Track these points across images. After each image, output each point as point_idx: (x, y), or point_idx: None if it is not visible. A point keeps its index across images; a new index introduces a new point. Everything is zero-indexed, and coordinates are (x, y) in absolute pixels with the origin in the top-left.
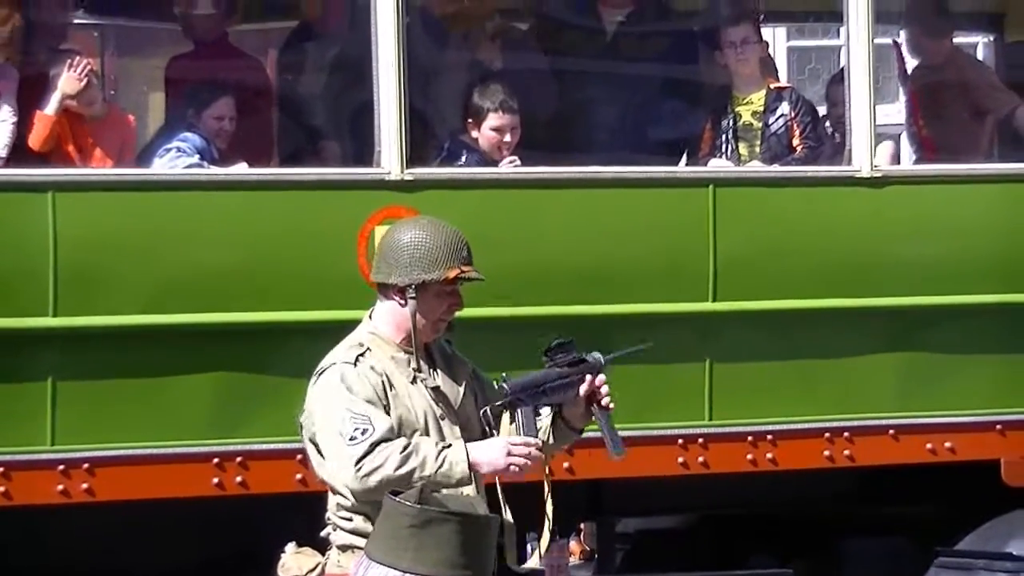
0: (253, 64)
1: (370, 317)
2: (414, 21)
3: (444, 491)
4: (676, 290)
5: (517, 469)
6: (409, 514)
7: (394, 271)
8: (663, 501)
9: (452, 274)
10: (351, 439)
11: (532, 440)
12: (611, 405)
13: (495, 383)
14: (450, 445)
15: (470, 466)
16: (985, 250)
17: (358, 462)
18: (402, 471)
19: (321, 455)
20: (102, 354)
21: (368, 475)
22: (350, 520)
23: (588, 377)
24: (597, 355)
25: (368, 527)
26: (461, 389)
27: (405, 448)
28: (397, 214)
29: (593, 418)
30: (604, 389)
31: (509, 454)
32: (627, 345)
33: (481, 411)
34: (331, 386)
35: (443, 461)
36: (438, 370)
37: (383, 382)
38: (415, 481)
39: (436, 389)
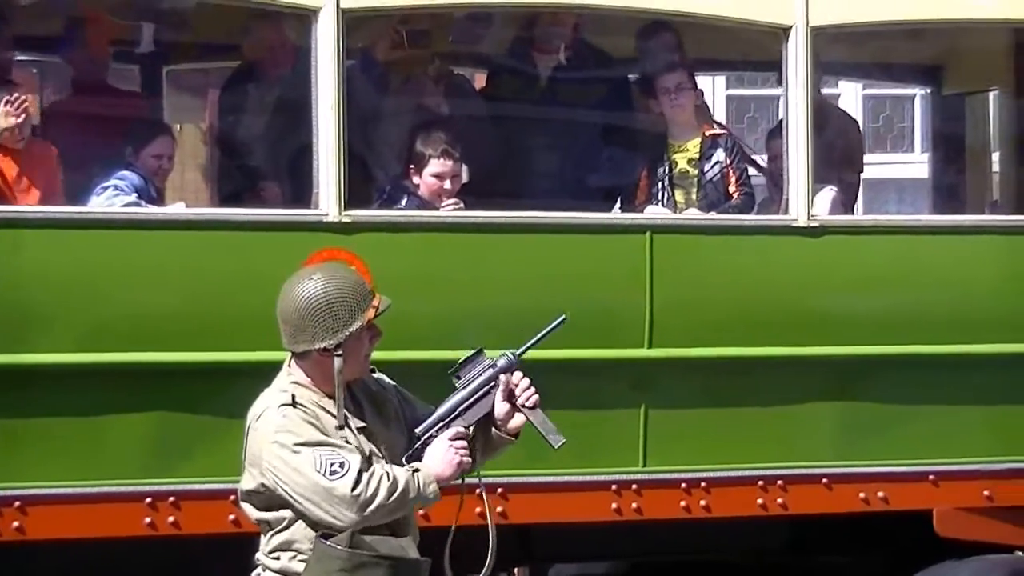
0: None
1: (289, 366)
2: (354, 64)
3: (372, 537)
4: (612, 336)
5: (468, 459)
6: (341, 558)
7: (317, 337)
8: (596, 547)
9: (370, 315)
10: (332, 474)
11: (460, 430)
12: (533, 401)
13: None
14: (417, 469)
15: (437, 482)
16: (920, 301)
17: (354, 491)
18: (393, 499)
19: (256, 507)
20: (36, 392)
21: (367, 505)
22: (278, 559)
23: (502, 378)
24: (508, 354)
25: (294, 567)
26: (388, 424)
27: (389, 476)
28: (335, 256)
29: (524, 419)
30: (523, 385)
31: (453, 450)
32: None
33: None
34: (282, 429)
35: (420, 484)
36: (364, 410)
37: (316, 426)
38: (403, 507)
39: (363, 429)
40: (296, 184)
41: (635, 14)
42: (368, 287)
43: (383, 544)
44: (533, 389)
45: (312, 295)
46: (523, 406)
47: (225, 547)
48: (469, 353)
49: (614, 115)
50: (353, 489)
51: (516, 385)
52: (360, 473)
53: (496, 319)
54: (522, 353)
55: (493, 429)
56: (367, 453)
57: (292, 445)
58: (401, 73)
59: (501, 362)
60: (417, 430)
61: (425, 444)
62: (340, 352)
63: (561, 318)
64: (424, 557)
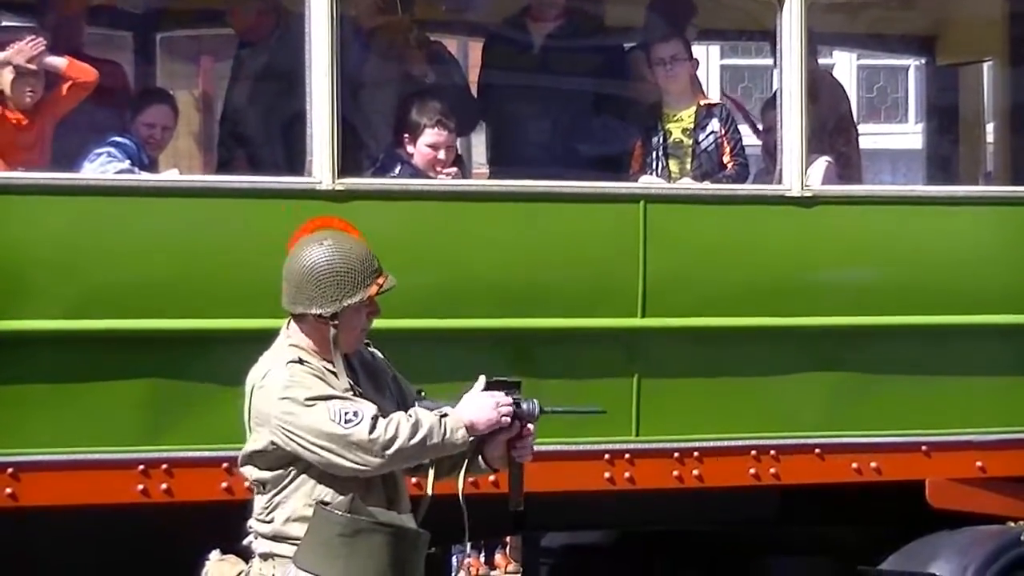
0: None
1: (287, 328)
2: (347, 32)
3: (371, 507)
4: (605, 305)
5: (507, 420)
6: (340, 523)
7: (315, 302)
8: (588, 516)
9: (372, 291)
10: (347, 422)
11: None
12: (525, 459)
13: (415, 396)
14: (446, 413)
15: (467, 428)
16: (914, 272)
17: (371, 435)
18: (415, 440)
19: (253, 462)
20: (28, 359)
21: (386, 447)
22: (270, 522)
23: (516, 424)
24: (535, 404)
25: (287, 529)
26: (383, 395)
27: (410, 418)
28: (328, 224)
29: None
30: (527, 441)
31: (496, 406)
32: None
33: None
34: (292, 384)
35: (446, 428)
36: (359, 378)
37: (323, 380)
38: (426, 450)
39: (360, 395)
40: (289, 152)
41: None
42: (376, 264)
43: (383, 514)
44: (532, 448)
45: (318, 261)
46: (514, 456)
47: (217, 514)
48: (511, 378)
49: (609, 84)
50: (370, 433)
51: (522, 436)
52: (375, 419)
53: (489, 288)
54: (547, 412)
55: (481, 455)
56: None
57: (303, 400)
58: (386, 41)
59: (525, 406)
60: (421, 403)
61: None
62: (336, 322)
63: (599, 409)
64: (423, 530)
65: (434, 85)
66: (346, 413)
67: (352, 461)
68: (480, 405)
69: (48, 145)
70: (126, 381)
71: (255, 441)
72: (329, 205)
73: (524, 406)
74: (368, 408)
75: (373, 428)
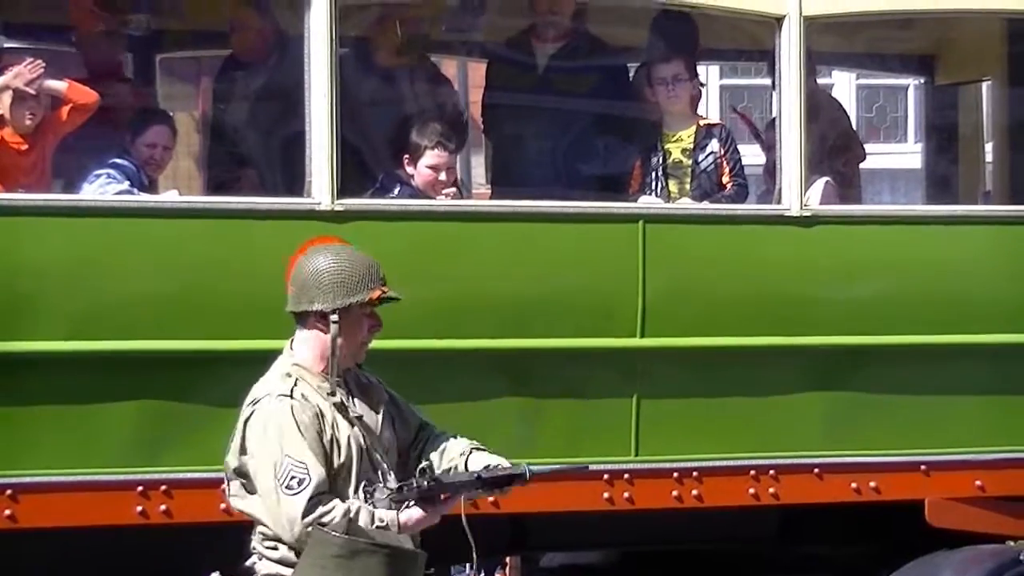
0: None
1: (291, 347)
2: (347, 53)
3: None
4: (605, 325)
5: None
6: (337, 544)
7: (316, 298)
8: (588, 536)
9: (375, 295)
10: (287, 488)
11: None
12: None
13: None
14: (382, 522)
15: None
16: (913, 291)
17: (304, 515)
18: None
19: (244, 488)
20: (27, 380)
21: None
22: (276, 549)
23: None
24: (526, 474)
25: (294, 557)
26: (379, 418)
27: (347, 513)
28: (328, 243)
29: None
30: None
31: (432, 521)
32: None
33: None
34: (270, 422)
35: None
36: (356, 400)
37: (316, 414)
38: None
39: (359, 419)
40: (288, 173)
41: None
42: (381, 273)
43: (380, 534)
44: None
45: (322, 263)
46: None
47: (216, 535)
48: (514, 470)
49: (610, 104)
50: (304, 511)
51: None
52: (311, 499)
53: (489, 308)
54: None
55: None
56: (364, 447)
57: (273, 443)
58: (391, 62)
59: (517, 483)
60: (440, 479)
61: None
62: (337, 319)
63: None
64: (420, 550)
65: (438, 104)
66: (292, 477)
67: (276, 523)
68: (423, 519)
69: (48, 167)
70: (125, 402)
71: (231, 461)
72: (328, 226)
73: (517, 483)
74: (316, 478)
75: (308, 511)
